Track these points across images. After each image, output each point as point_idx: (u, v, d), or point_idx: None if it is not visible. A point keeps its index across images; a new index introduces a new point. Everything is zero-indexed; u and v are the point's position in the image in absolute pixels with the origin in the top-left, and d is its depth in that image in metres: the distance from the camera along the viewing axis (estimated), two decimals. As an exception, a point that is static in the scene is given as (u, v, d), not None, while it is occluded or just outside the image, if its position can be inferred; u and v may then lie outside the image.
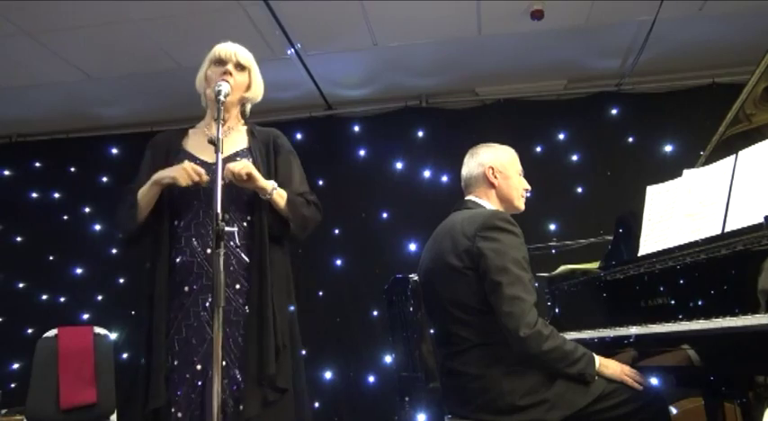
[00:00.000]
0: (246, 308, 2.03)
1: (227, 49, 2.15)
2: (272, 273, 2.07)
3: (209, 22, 3.89)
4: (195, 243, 2.03)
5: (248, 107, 2.26)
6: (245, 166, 1.99)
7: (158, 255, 2.01)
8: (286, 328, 2.08)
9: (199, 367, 1.95)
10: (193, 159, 2.10)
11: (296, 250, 4.62)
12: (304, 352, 4.58)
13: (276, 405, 1.98)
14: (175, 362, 1.96)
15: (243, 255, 2.07)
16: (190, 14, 3.82)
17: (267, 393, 1.96)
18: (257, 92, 2.23)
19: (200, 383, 1.93)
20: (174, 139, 2.18)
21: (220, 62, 2.13)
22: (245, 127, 2.24)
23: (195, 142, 2.16)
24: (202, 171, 2.00)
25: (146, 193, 2.03)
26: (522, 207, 2.33)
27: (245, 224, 2.10)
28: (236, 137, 2.19)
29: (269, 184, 2.06)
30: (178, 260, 2.03)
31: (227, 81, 2.05)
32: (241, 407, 1.93)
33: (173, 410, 1.91)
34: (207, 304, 1.99)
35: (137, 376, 1.99)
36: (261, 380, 1.95)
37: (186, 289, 2.01)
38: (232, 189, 2.05)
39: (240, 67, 2.16)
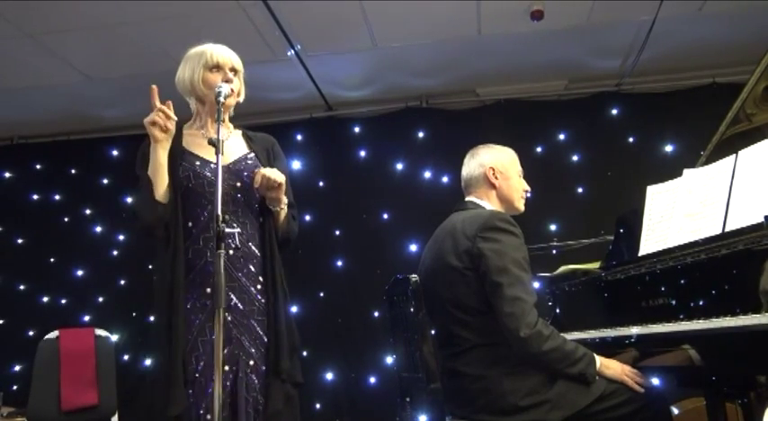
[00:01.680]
0: (267, 305, 2.06)
1: (222, 54, 2.15)
2: (282, 274, 2.11)
3: (210, 24, 3.90)
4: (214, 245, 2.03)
5: (232, 110, 2.26)
6: (280, 175, 2.03)
7: (175, 257, 1.99)
8: (293, 325, 2.11)
9: (226, 368, 1.94)
10: (200, 160, 2.10)
11: (296, 251, 4.63)
12: (305, 352, 4.63)
13: (293, 400, 2.02)
14: (201, 364, 1.94)
15: (259, 254, 2.09)
16: (190, 15, 3.82)
17: (288, 389, 2.00)
18: (243, 94, 2.24)
19: (228, 384, 1.94)
20: (174, 141, 2.16)
21: (218, 67, 2.13)
22: (239, 131, 2.26)
23: (198, 144, 2.16)
24: (155, 103, 2.00)
25: (152, 166, 2.01)
26: (522, 208, 2.33)
27: (257, 225, 2.11)
28: (235, 141, 2.20)
29: (285, 198, 2.10)
30: (198, 262, 2.02)
31: (228, 85, 2.07)
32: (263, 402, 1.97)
33: (201, 412, 1.90)
34: (231, 303, 2.00)
35: (155, 381, 1.98)
36: (281, 376, 1.98)
37: (208, 290, 2.00)
38: (247, 190, 2.08)
39: (234, 71, 2.16)
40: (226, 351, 1.95)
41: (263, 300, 2.05)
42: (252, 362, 1.98)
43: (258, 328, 2.02)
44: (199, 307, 1.99)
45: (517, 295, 1.91)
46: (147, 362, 4.66)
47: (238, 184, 2.08)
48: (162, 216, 2.00)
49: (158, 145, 2.00)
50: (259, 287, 2.06)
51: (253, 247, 2.08)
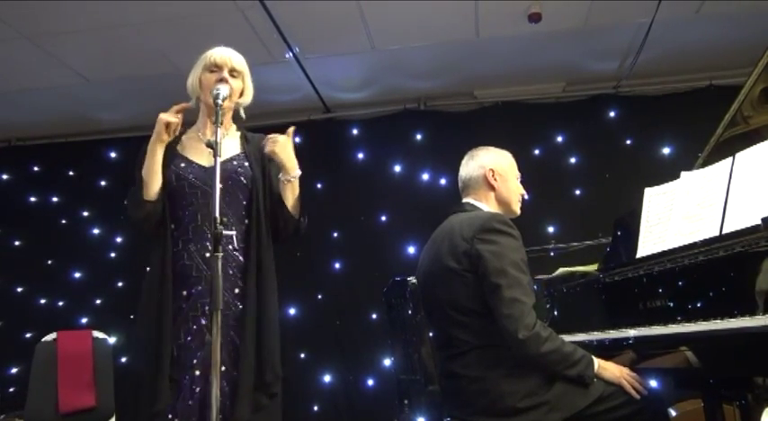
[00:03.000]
0: (245, 311, 2.02)
1: (222, 54, 2.15)
2: (270, 277, 2.09)
3: (208, 26, 3.90)
4: (193, 247, 2.03)
5: (242, 111, 2.26)
6: (286, 142, 2.08)
7: (163, 259, 2.00)
8: (278, 333, 2.09)
9: (197, 372, 1.94)
10: (191, 164, 2.11)
11: (294, 253, 4.64)
12: (303, 355, 4.63)
13: (267, 409, 1.98)
14: (173, 368, 1.94)
15: (241, 258, 2.07)
16: (188, 18, 3.82)
17: (260, 398, 1.96)
18: (249, 96, 2.24)
19: (197, 389, 1.92)
20: (169, 144, 2.16)
21: (216, 68, 2.13)
22: (239, 132, 2.26)
23: (190, 146, 2.17)
24: (175, 108, 2.04)
25: (147, 163, 2.03)
26: (518, 211, 2.34)
27: (243, 227, 2.10)
28: (231, 142, 2.20)
29: (295, 166, 2.12)
30: (176, 264, 2.02)
31: (225, 86, 2.07)
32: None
33: (170, 417, 1.90)
34: (206, 308, 1.98)
35: (139, 381, 1.98)
36: (257, 385, 1.95)
37: (185, 293, 2.01)
38: (230, 192, 2.07)
39: (234, 72, 2.16)
40: (199, 354, 1.95)
41: (240, 305, 2.03)
42: (223, 368, 1.95)
43: (232, 333, 2.00)
44: (175, 310, 1.99)
45: (515, 297, 1.91)
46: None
47: (220, 186, 2.05)
48: (149, 213, 2.02)
49: (160, 144, 2.02)
50: (236, 291, 2.03)
51: (234, 251, 2.06)
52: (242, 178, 2.12)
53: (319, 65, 4.51)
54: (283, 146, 2.10)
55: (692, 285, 1.89)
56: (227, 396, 1.94)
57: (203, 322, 1.98)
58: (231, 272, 2.04)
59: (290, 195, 2.13)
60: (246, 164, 2.15)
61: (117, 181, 5.18)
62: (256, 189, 2.13)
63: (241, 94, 2.20)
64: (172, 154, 2.11)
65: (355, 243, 4.85)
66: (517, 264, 1.98)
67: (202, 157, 2.13)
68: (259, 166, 2.17)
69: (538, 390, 1.91)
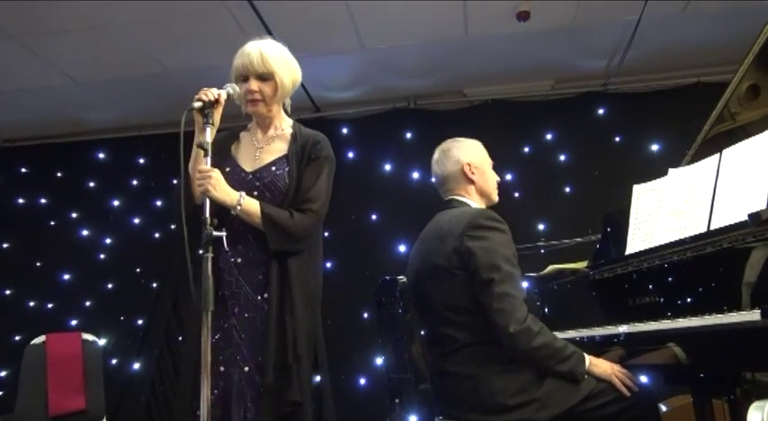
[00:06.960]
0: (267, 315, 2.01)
1: (243, 61, 2.08)
2: (294, 284, 2.01)
3: (196, 25, 3.88)
4: (228, 251, 2.02)
5: (287, 103, 2.23)
6: (204, 182, 1.91)
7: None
8: (303, 341, 2.00)
9: (222, 368, 1.96)
10: (235, 168, 2.10)
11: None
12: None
13: (288, 419, 1.92)
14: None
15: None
16: (176, 17, 3.81)
17: (281, 407, 1.92)
18: (287, 89, 2.14)
19: (221, 384, 1.95)
20: (226, 143, 2.15)
21: (243, 78, 2.09)
22: (292, 130, 2.19)
23: (242, 149, 2.17)
24: (208, 90, 1.96)
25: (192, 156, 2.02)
26: (497, 198, 2.35)
27: None
28: (279, 144, 2.16)
29: (232, 199, 1.97)
30: (214, 266, 2.00)
31: (254, 99, 2.08)
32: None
33: (194, 410, 1.90)
34: (236, 310, 2.00)
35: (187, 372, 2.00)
36: (269, 391, 1.92)
37: (219, 293, 2.00)
38: (260, 198, 2.04)
39: (263, 77, 2.08)
40: (225, 352, 1.98)
41: (266, 309, 2.00)
42: (246, 369, 1.96)
43: (260, 337, 1.98)
44: None
45: (507, 291, 1.91)
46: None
47: (255, 193, 2.04)
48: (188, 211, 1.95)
49: (199, 133, 1.94)
50: (266, 295, 2.01)
51: (263, 255, 2.04)
52: (277, 184, 2.07)
53: (308, 64, 4.42)
54: (217, 182, 1.93)
55: (681, 281, 1.90)
56: (250, 398, 1.93)
57: (232, 322, 1.99)
58: (261, 277, 2.02)
59: (249, 218, 2.01)
60: (285, 169, 2.09)
61: (106, 182, 5.13)
62: (290, 194, 2.07)
63: (274, 94, 2.11)
64: (225, 153, 2.10)
65: (346, 242, 4.83)
66: (509, 259, 1.99)
67: (247, 162, 2.12)
68: (296, 169, 2.10)
69: (529, 388, 1.91)
